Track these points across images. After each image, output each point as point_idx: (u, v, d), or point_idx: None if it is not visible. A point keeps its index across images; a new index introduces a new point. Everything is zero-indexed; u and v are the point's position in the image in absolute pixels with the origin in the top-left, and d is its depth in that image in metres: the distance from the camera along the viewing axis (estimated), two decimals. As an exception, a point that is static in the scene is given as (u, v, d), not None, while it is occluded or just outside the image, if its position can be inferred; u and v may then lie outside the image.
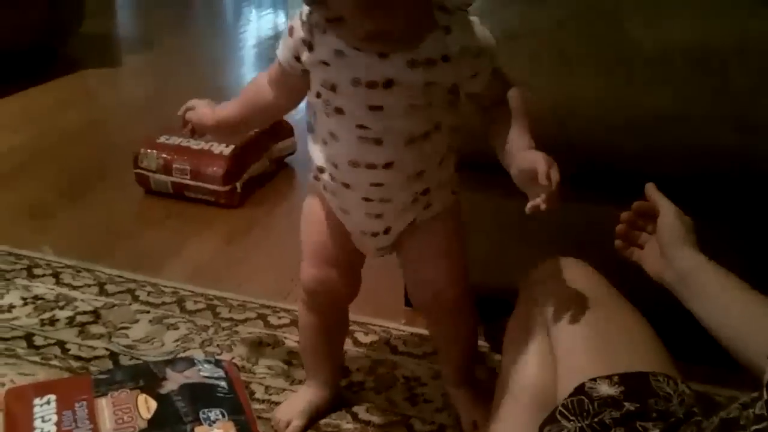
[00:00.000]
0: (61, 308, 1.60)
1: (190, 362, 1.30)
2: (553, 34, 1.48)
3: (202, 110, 1.24)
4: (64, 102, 2.87)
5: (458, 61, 1.04)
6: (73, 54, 3.34)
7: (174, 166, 2.08)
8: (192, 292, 1.66)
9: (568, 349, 1.00)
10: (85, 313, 1.59)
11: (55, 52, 3.30)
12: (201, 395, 1.22)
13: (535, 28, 1.50)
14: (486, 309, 1.53)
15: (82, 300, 1.63)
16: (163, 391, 1.21)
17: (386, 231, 1.16)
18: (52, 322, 1.56)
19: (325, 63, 1.04)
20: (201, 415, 1.18)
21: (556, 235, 1.47)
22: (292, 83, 1.11)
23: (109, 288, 1.67)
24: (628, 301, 1.07)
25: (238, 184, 2.08)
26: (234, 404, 1.22)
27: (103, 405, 1.18)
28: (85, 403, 1.19)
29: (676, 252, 1.00)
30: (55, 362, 1.44)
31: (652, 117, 1.35)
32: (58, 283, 1.69)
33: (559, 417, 0.90)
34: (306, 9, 1.03)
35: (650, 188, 1.09)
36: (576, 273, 1.11)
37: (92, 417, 1.16)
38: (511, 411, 1.06)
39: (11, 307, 1.60)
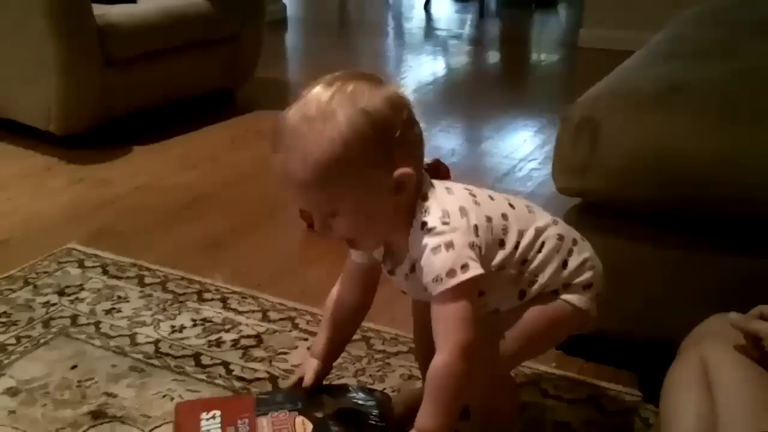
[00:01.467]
0: (227, 331, 1.70)
1: (345, 389, 1.35)
2: (717, 87, 1.46)
3: (304, 367, 1.33)
4: (238, 141, 3.06)
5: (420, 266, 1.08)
6: (247, 96, 3.56)
7: (336, 203, 2.16)
8: (348, 323, 1.72)
9: (731, 405, 0.98)
10: (248, 337, 1.68)
11: (231, 95, 3.53)
12: (354, 422, 1.26)
13: (700, 80, 1.49)
14: (640, 358, 1.51)
15: (246, 325, 1.73)
16: (320, 414, 1.26)
17: None
18: (219, 343, 1.66)
19: None
20: None
21: (717, 288, 1.43)
22: (370, 275, 1.26)
23: (272, 315, 1.76)
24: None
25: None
26: None
27: (264, 424, 1.23)
28: (246, 420, 1.24)
29: None
30: (219, 381, 1.54)
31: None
32: (225, 307, 1.80)
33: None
34: None
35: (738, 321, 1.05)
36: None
37: None
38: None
39: (182, 327, 1.72)
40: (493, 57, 4.95)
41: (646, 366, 1.44)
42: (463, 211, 1.07)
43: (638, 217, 1.49)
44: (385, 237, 1.13)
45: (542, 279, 1.15)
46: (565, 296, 1.17)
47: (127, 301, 1.82)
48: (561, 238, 1.17)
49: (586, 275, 1.18)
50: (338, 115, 1.00)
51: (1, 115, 3.02)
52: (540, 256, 1.14)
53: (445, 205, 1.08)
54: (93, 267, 1.97)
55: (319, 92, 1.02)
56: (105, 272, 1.95)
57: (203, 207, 2.43)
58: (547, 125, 3.13)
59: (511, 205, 1.16)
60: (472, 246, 1.05)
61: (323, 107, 1.01)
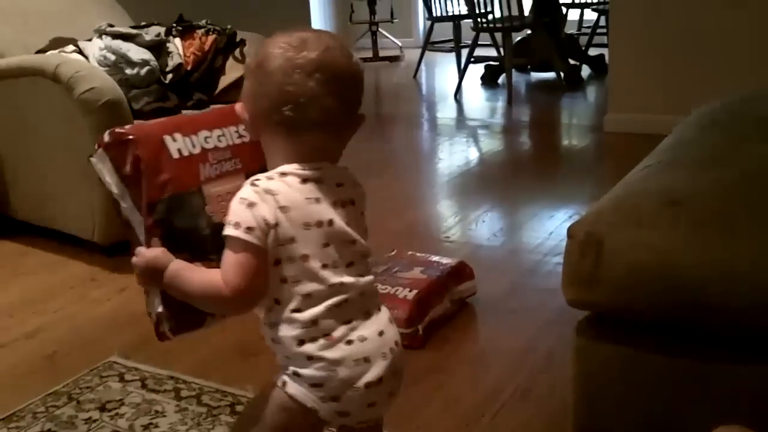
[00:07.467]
0: (258, 445, 1.77)
1: None
2: (717, 198, 1.52)
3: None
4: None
5: None
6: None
7: (363, 309, 2.23)
8: (374, 433, 1.78)
9: None
10: (277, 450, 1.75)
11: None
12: None
13: (699, 192, 1.55)
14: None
15: (276, 438, 1.79)
16: None
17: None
18: (250, 458, 1.73)
19: None
20: None
21: (728, 396, 1.47)
22: None
23: (300, 427, 1.83)
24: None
25: (420, 327, 2.21)
26: None
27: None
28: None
29: None
30: (250, 496, 1.60)
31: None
32: (257, 420, 1.87)
33: None
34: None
35: None
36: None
37: None
38: None
39: (216, 443, 1.80)
40: (522, 145, 5.05)
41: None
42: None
43: (647, 328, 1.54)
44: None
45: (281, 332, 1.21)
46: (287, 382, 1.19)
47: (164, 416, 1.90)
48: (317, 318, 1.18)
49: (312, 371, 1.17)
50: None
51: (47, 225, 3.19)
52: (292, 305, 1.20)
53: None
54: (132, 380, 2.07)
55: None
56: (144, 386, 2.04)
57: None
58: (575, 216, 3.19)
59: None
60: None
61: None
